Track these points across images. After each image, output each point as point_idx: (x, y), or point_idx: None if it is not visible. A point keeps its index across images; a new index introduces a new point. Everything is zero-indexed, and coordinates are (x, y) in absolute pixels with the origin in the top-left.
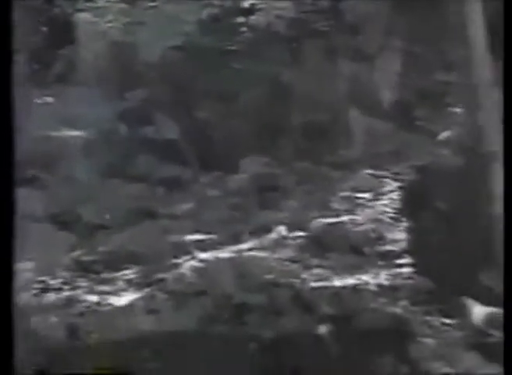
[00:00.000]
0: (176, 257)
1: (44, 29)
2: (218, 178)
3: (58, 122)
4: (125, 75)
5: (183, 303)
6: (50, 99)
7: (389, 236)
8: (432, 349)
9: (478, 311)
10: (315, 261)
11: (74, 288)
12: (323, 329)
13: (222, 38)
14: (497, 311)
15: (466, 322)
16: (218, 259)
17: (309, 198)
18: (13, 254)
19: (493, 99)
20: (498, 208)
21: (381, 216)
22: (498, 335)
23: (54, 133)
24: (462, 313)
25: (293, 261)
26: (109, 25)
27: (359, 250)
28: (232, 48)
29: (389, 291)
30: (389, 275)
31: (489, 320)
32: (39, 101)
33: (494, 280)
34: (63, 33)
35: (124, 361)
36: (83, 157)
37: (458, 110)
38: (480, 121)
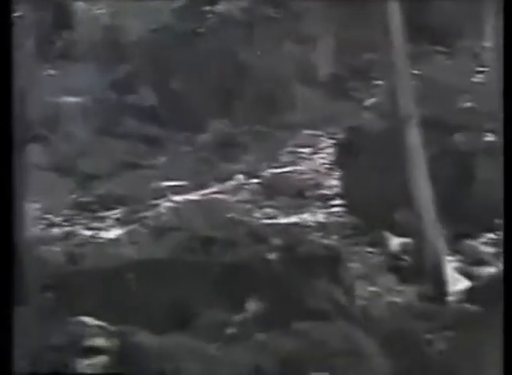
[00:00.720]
0: (154, 199)
1: (49, 15)
2: (189, 137)
3: (59, 90)
4: (113, 52)
5: (159, 236)
6: (53, 72)
7: (325, 183)
8: (358, 272)
9: (395, 241)
10: (266, 203)
11: (73, 224)
12: (272, 256)
13: (192, 23)
14: (409, 241)
15: (385, 250)
16: (188, 201)
17: (262, 152)
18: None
19: (407, 73)
20: (413, 159)
21: (319, 167)
22: (409, 260)
23: (56, 100)
24: (382, 243)
25: (248, 202)
26: (100, 12)
27: (301, 194)
28: (201, 30)
29: (324, 227)
30: (325, 214)
31: (403, 249)
32: (45, 73)
33: (406, 217)
34: (64, 18)
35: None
36: (80, 119)
37: (380, 82)
38: (397, 91)
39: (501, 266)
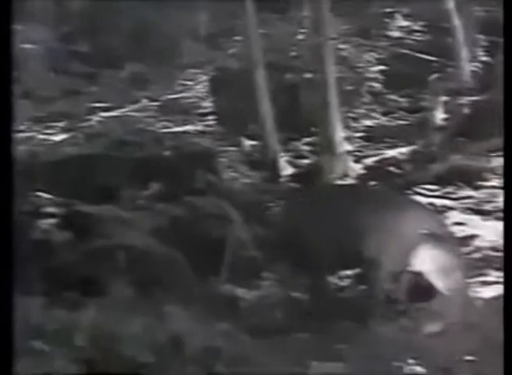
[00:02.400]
0: (88, 115)
1: None
2: (112, 73)
3: (23, 40)
4: (63, 16)
5: (91, 140)
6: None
7: (203, 104)
8: (224, 164)
9: (247, 143)
10: (164, 117)
11: (32, 131)
12: (168, 153)
13: None
14: (257, 143)
15: (242, 149)
16: (111, 116)
17: (162, 84)
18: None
19: (256, 32)
20: (260, 89)
21: (199, 93)
22: (257, 155)
23: (20, 47)
24: (240, 145)
25: (151, 117)
26: None
27: (188, 112)
28: None
29: (201, 133)
30: (203, 125)
31: (253, 148)
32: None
33: (255, 128)
34: None
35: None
36: (37, 60)
37: (240, 38)
38: (250, 44)
39: (314, 157)
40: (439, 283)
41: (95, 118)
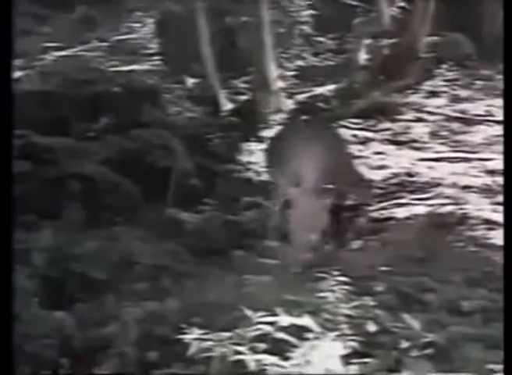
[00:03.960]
0: (42, 54)
1: None
2: (64, 15)
3: None
4: None
5: (45, 78)
6: None
7: (150, 45)
8: (169, 100)
9: (190, 81)
10: (113, 57)
11: None
12: (116, 89)
13: None
14: (199, 80)
15: (185, 86)
16: (64, 55)
17: (112, 24)
18: None
19: None
20: (202, 32)
21: (145, 35)
22: (198, 92)
23: None
24: (183, 82)
25: (101, 57)
26: None
27: (135, 52)
28: None
29: (149, 72)
30: (150, 64)
31: (195, 86)
32: None
33: (198, 66)
34: None
35: None
36: None
37: None
38: None
39: (251, 94)
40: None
41: (49, 57)
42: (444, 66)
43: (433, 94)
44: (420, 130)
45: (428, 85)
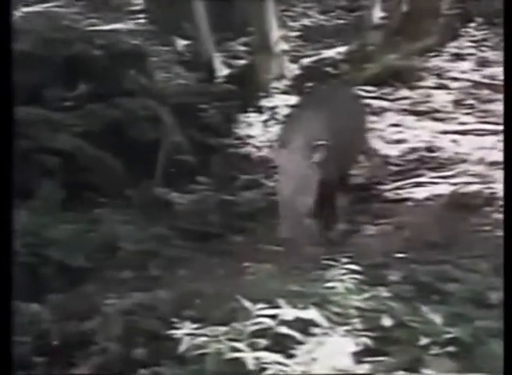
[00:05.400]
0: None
1: None
2: None
3: None
4: None
5: (19, 36)
6: None
7: (134, 1)
8: (156, 64)
9: (181, 43)
10: (92, 15)
11: None
12: (95, 52)
13: None
14: (191, 42)
15: (174, 49)
16: (35, 12)
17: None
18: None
19: None
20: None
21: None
22: (191, 56)
23: None
24: (172, 44)
25: (78, 14)
26: None
27: (117, 9)
28: None
29: (132, 32)
30: (134, 23)
31: (186, 48)
32: None
33: (189, 28)
34: None
35: None
36: None
37: None
38: None
39: (249, 57)
40: None
41: (16, 13)
42: (471, 24)
43: (458, 56)
44: (442, 99)
45: (452, 47)
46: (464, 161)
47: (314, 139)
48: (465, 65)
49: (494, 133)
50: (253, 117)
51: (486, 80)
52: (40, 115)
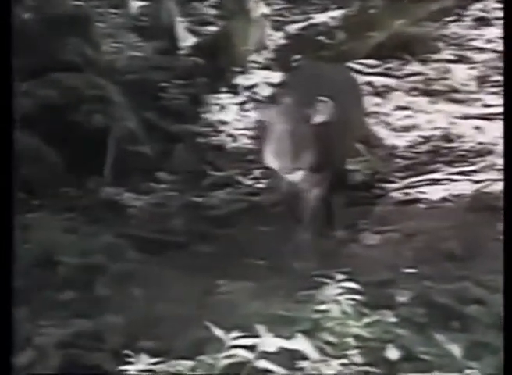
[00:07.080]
0: None
1: None
2: None
3: None
4: None
5: None
6: None
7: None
8: (104, 31)
9: (135, 5)
10: None
11: None
12: (27, 15)
13: None
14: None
15: (127, 12)
16: None
17: None
18: None
19: None
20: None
21: None
22: (147, 20)
23: None
24: (124, 6)
25: None
26: None
27: None
28: None
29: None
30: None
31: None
32: None
33: None
34: None
35: None
36: None
37: None
38: None
39: (221, 23)
40: None
41: None
42: None
43: (482, 21)
44: (463, 75)
45: (475, 9)
46: (489, 152)
47: (312, 95)
48: (492, 31)
49: None
50: (226, 99)
51: None
52: None
